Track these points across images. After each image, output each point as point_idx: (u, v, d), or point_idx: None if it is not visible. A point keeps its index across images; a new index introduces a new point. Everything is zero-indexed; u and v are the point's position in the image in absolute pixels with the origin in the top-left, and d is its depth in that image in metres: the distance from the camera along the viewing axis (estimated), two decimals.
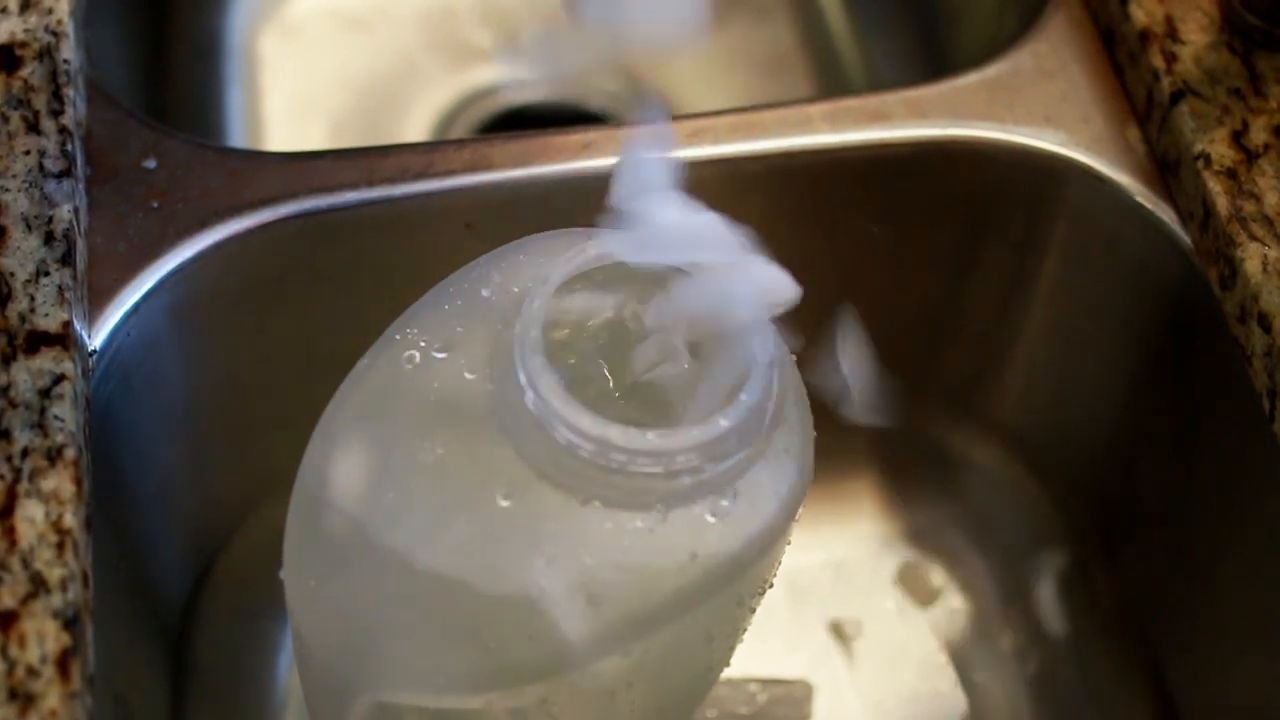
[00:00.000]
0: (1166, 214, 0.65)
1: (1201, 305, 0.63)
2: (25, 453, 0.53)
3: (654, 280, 0.50)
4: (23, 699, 0.48)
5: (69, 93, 0.61)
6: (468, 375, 0.49)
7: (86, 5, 0.66)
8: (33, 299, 0.56)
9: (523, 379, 0.46)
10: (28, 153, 0.59)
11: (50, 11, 0.63)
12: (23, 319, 0.55)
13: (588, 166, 0.64)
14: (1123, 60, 0.68)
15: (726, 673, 0.58)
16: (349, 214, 0.63)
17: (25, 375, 0.54)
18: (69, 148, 0.60)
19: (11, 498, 0.52)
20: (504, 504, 0.47)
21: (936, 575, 0.74)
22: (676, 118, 0.68)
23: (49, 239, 0.57)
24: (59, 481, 0.52)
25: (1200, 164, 0.62)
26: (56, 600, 0.50)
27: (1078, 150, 0.66)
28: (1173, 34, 0.65)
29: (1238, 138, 0.62)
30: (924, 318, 0.74)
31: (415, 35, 0.91)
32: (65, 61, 0.62)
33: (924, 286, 0.72)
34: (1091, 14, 0.69)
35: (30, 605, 0.50)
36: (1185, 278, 0.64)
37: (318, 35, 0.91)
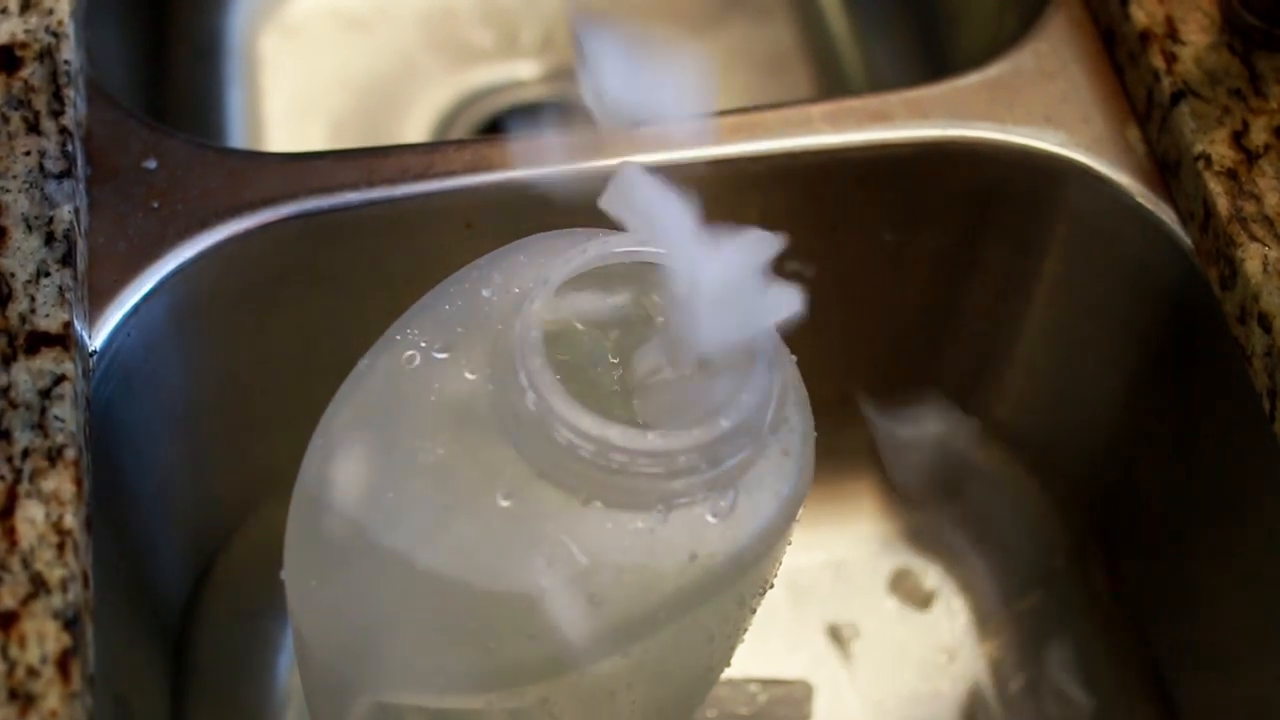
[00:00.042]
0: (1167, 214, 0.65)
1: (1202, 305, 0.63)
2: (26, 453, 0.53)
3: (655, 281, 0.50)
4: (23, 699, 0.48)
5: (69, 93, 0.61)
6: (468, 375, 0.49)
7: (87, 6, 0.66)
8: (33, 299, 0.56)
9: (523, 379, 0.46)
10: (28, 153, 0.59)
11: (51, 12, 0.63)
12: (23, 319, 0.55)
13: (589, 166, 0.64)
14: (1123, 60, 0.68)
15: (727, 673, 0.58)
16: (349, 214, 0.63)
17: (26, 376, 0.54)
18: (69, 148, 0.60)
19: (12, 498, 0.52)
20: (504, 504, 0.47)
21: (930, 578, 0.74)
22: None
23: (49, 239, 0.57)
24: (59, 482, 0.52)
25: (1200, 164, 0.62)
26: (57, 601, 0.50)
27: (1078, 150, 0.66)
28: (1173, 34, 0.65)
29: (1238, 138, 0.62)
30: (924, 318, 0.74)
31: (415, 35, 0.91)
32: (66, 62, 0.62)
33: (924, 286, 0.72)
34: (1092, 14, 0.69)
35: (30, 605, 0.50)
36: (1185, 278, 0.64)
37: (318, 35, 0.91)
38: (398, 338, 0.51)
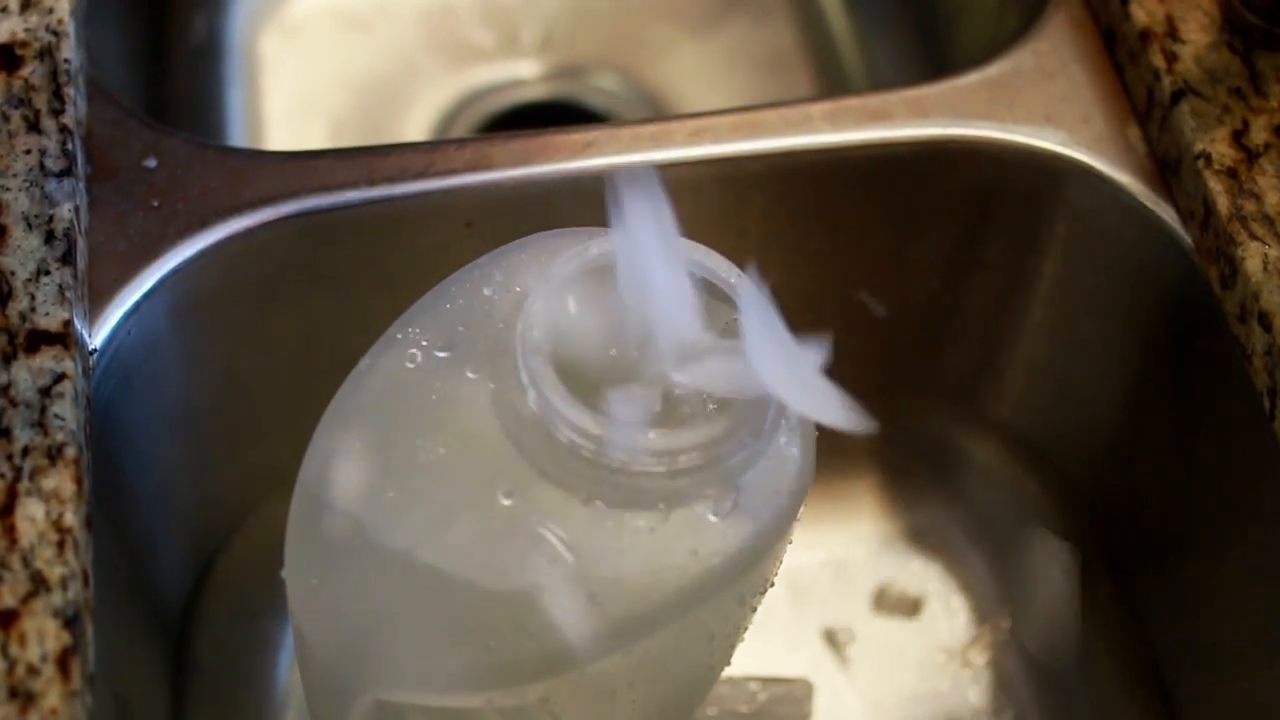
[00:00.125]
0: (1167, 213, 0.65)
1: (1202, 304, 0.63)
2: (26, 451, 0.53)
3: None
4: (23, 698, 0.48)
5: (69, 92, 0.61)
6: (469, 374, 0.49)
7: (87, 5, 0.66)
8: (33, 298, 0.56)
9: (524, 378, 0.46)
10: (28, 152, 0.59)
11: (51, 11, 0.63)
12: (23, 318, 0.55)
13: (589, 166, 0.64)
14: (1123, 60, 0.68)
15: (727, 671, 0.58)
16: (349, 213, 0.63)
17: (26, 374, 0.54)
18: (69, 147, 0.60)
19: (12, 496, 0.52)
20: (505, 503, 0.47)
21: (912, 582, 0.74)
22: (677, 117, 0.68)
23: (49, 238, 0.57)
24: (59, 480, 0.52)
25: (1201, 163, 0.62)
26: (57, 599, 0.50)
27: (1078, 150, 0.66)
28: (1173, 33, 0.65)
29: (1238, 137, 0.62)
30: (924, 317, 0.74)
31: (415, 35, 0.91)
32: (66, 61, 0.62)
33: (924, 286, 0.72)
34: (1092, 13, 0.69)
35: (30, 604, 0.50)
36: (1185, 277, 0.64)
37: (318, 35, 0.91)
38: (399, 336, 0.51)
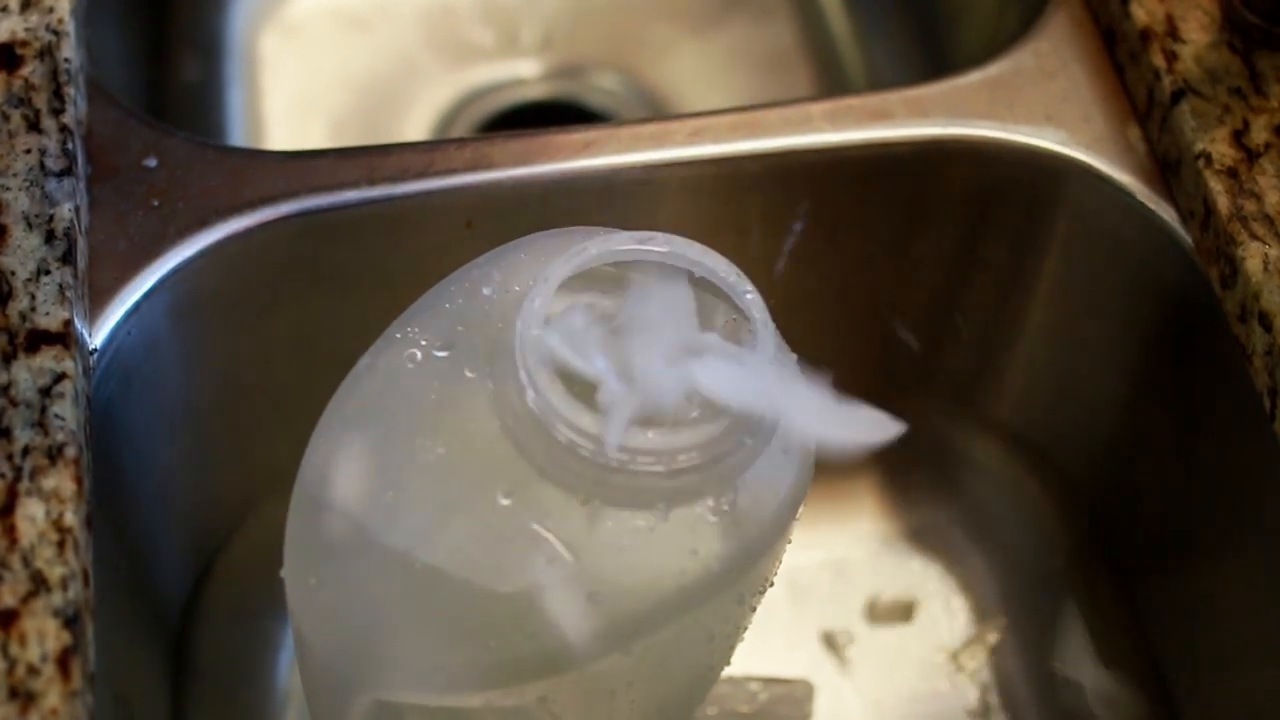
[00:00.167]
0: (1167, 213, 0.65)
1: (1202, 304, 0.63)
2: (26, 451, 0.53)
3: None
4: (23, 697, 0.48)
5: (70, 91, 0.61)
6: (468, 374, 0.49)
7: (87, 4, 0.66)
8: (33, 297, 0.56)
9: (523, 377, 0.46)
10: (28, 151, 0.59)
11: (51, 10, 0.63)
12: (23, 317, 0.55)
13: (589, 165, 0.64)
14: (1123, 59, 0.67)
15: (727, 671, 0.58)
16: (350, 213, 0.63)
17: (26, 374, 0.54)
18: (70, 146, 0.60)
19: (12, 496, 0.52)
20: (505, 503, 0.47)
21: (904, 590, 0.74)
22: (677, 117, 0.68)
23: (50, 237, 0.57)
24: (59, 480, 0.52)
25: (1201, 163, 0.62)
26: (57, 599, 0.50)
27: (1078, 149, 0.66)
28: (1173, 33, 0.65)
29: (1238, 137, 0.62)
30: (924, 317, 0.74)
31: (416, 34, 0.91)
32: (66, 60, 0.62)
33: (924, 285, 0.72)
34: (1092, 13, 0.69)
35: (31, 604, 0.50)
36: (1186, 277, 0.64)
37: (318, 34, 0.91)
38: (398, 336, 0.51)
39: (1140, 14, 0.66)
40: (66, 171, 0.59)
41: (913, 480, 0.77)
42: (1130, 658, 0.72)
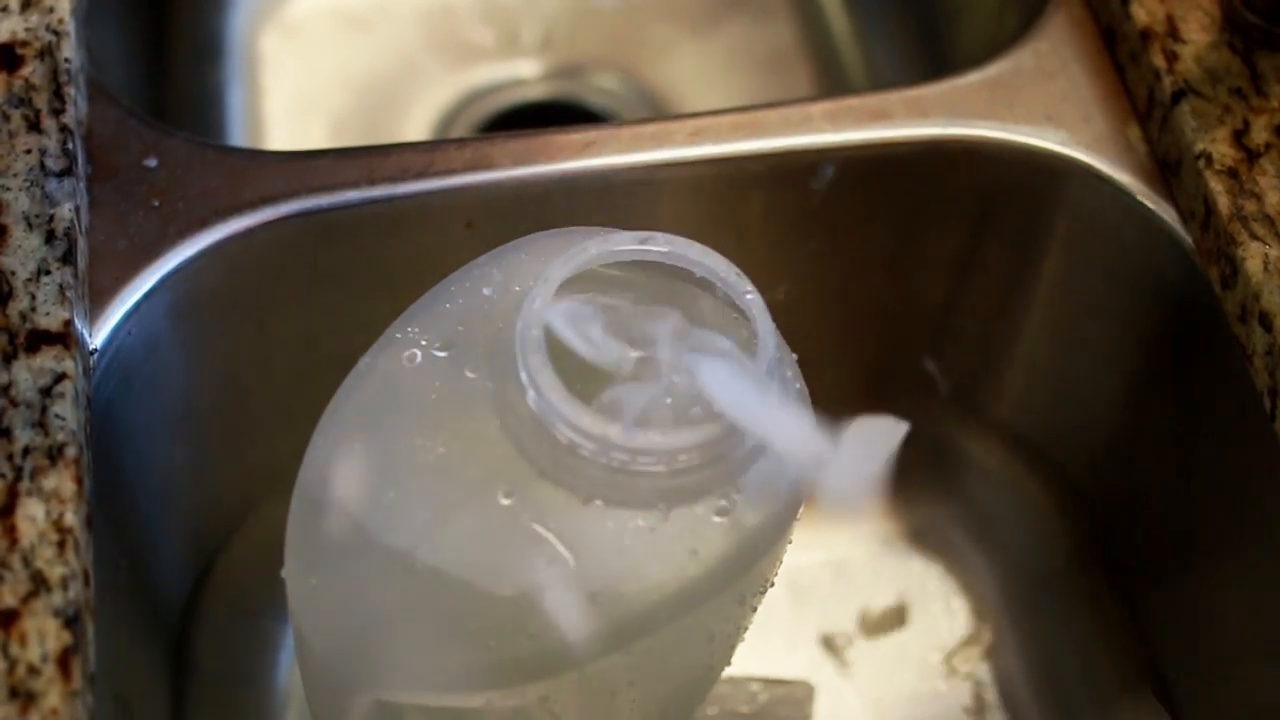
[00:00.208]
0: (1167, 213, 0.65)
1: (1202, 304, 0.63)
2: (26, 451, 0.52)
3: (655, 281, 0.50)
4: (24, 697, 0.48)
5: (70, 91, 0.61)
6: (469, 374, 0.49)
7: (88, 4, 0.66)
8: (34, 298, 0.56)
9: (524, 377, 0.46)
10: (29, 151, 0.59)
11: (51, 10, 0.63)
12: (24, 318, 0.55)
13: (589, 165, 0.64)
14: (1124, 59, 0.67)
15: (728, 671, 0.58)
16: (350, 213, 0.63)
17: (26, 374, 0.54)
18: (70, 146, 0.60)
19: (12, 496, 0.52)
20: (505, 502, 0.47)
21: (893, 596, 0.74)
22: (677, 117, 0.68)
23: (50, 238, 0.57)
24: (60, 480, 0.52)
25: (1201, 163, 0.62)
26: (57, 599, 0.50)
27: (1078, 149, 0.66)
28: (1174, 33, 0.65)
29: (1239, 137, 0.62)
30: (925, 317, 0.74)
31: (416, 34, 0.91)
32: (66, 60, 0.62)
33: (924, 285, 0.72)
34: (1092, 13, 0.69)
35: (31, 604, 0.50)
36: (1186, 277, 0.64)
37: (318, 34, 0.91)
38: (398, 336, 0.51)
39: (1140, 14, 0.66)
40: (67, 171, 0.59)
41: (913, 480, 0.77)
42: (1130, 658, 0.72)
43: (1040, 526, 0.76)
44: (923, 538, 0.76)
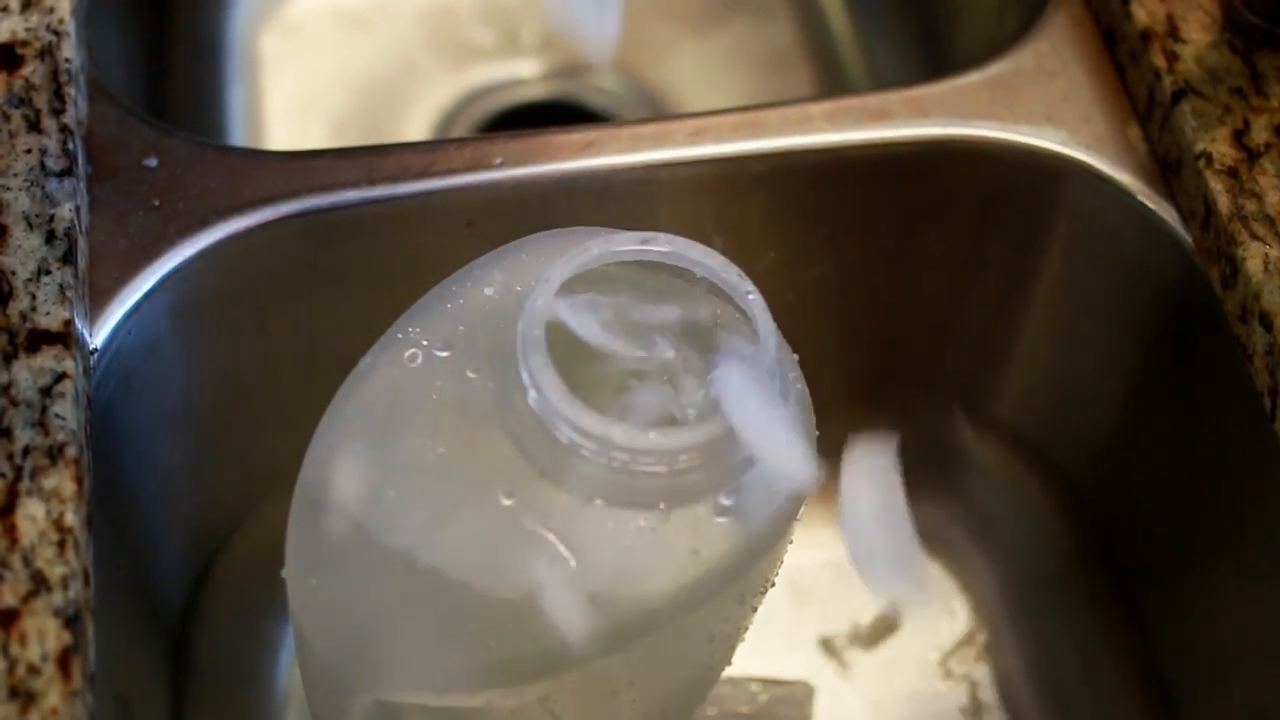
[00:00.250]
0: (1168, 213, 0.65)
1: (1202, 304, 0.63)
2: (26, 451, 0.52)
3: (655, 281, 0.50)
4: (24, 697, 0.48)
5: (70, 91, 0.61)
6: (470, 374, 0.49)
7: (88, 4, 0.66)
8: (34, 297, 0.56)
9: (525, 378, 0.46)
10: (29, 151, 0.59)
11: (51, 10, 0.63)
12: (24, 317, 0.55)
13: (589, 165, 0.64)
14: (1124, 59, 0.67)
15: (728, 671, 0.58)
16: (350, 213, 0.63)
17: (26, 374, 0.54)
18: (70, 146, 0.60)
19: (12, 496, 0.52)
20: (506, 503, 0.47)
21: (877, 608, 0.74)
22: (677, 117, 0.68)
23: (50, 237, 0.57)
24: (60, 480, 0.52)
25: (1201, 163, 0.62)
26: (57, 598, 0.50)
27: (1079, 149, 0.66)
28: (1174, 33, 0.65)
29: (1239, 137, 0.62)
30: (925, 317, 0.74)
31: (416, 34, 0.91)
32: (66, 60, 0.62)
33: (925, 285, 0.72)
34: (1093, 13, 0.69)
35: (31, 603, 0.50)
36: (1186, 277, 0.64)
37: (318, 34, 0.91)
38: (399, 336, 0.51)
39: (1141, 14, 0.66)
40: (67, 171, 0.59)
41: (913, 480, 0.77)
42: (1130, 658, 0.72)
43: (1040, 526, 0.76)
44: (923, 538, 0.76)
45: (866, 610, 0.73)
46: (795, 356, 0.51)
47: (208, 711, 0.68)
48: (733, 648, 0.56)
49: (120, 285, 0.60)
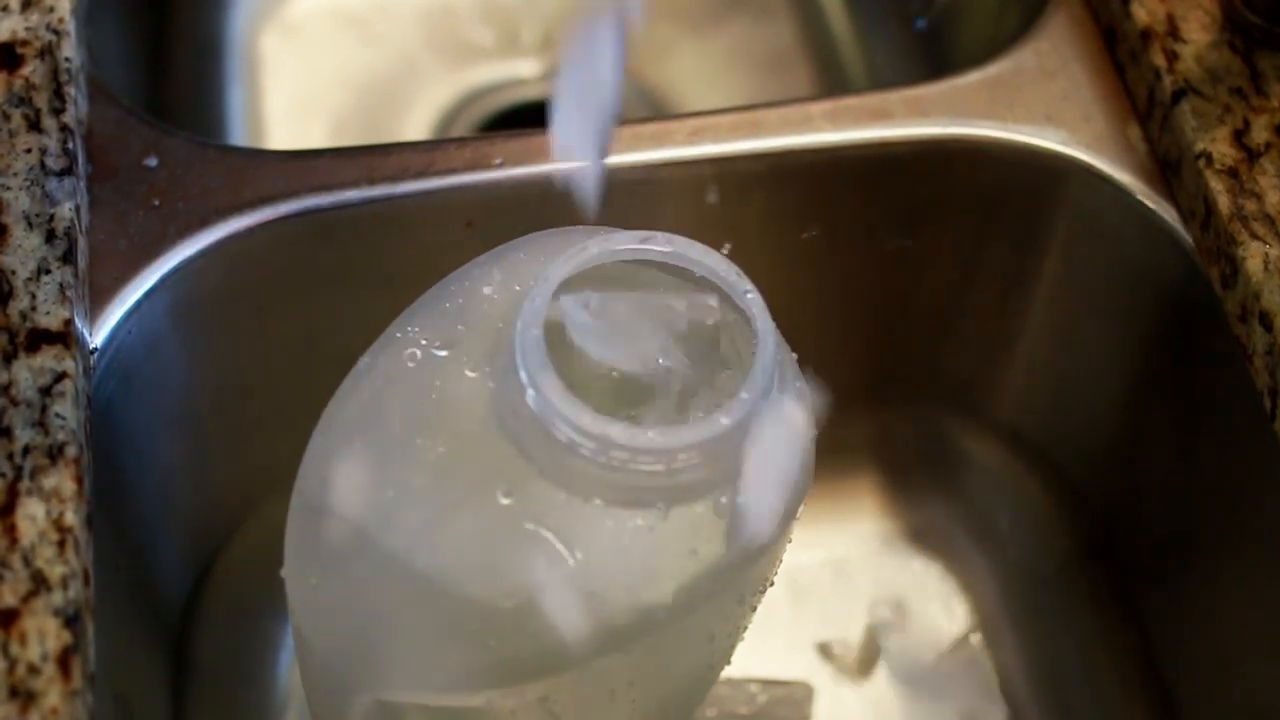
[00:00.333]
0: (1168, 213, 0.65)
1: (1202, 304, 0.63)
2: (26, 450, 0.52)
3: (655, 281, 0.50)
4: (24, 697, 0.48)
5: (70, 91, 0.61)
6: (469, 373, 0.49)
7: (88, 4, 0.66)
8: (34, 297, 0.56)
9: (524, 377, 0.46)
10: (29, 151, 0.59)
11: (51, 10, 0.63)
12: (24, 317, 0.55)
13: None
14: (1124, 59, 0.67)
15: (727, 672, 0.58)
16: (350, 212, 0.63)
17: (26, 373, 0.54)
18: (70, 146, 0.60)
19: (12, 495, 0.52)
20: (505, 502, 0.47)
21: (854, 631, 0.74)
22: (677, 117, 0.68)
23: (50, 237, 0.57)
24: (60, 479, 0.52)
25: (1201, 163, 0.62)
26: (57, 598, 0.50)
27: (1079, 149, 0.66)
28: (1174, 33, 0.65)
29: (1239, 136, 0.62)
30: (925, 317, 0.74)
31: (416, 34, 0.91)
32: (66, 60, 0.62)
33: (925, 285, 0.72)
34: (1093, 13, 0.69)
35: (31, 603, 0.50)
36: (1186, 277, 0.64)
37: (318, 34, 0.91)
38: (398, 335, 0.51)
39: (1141, 14, 0.66)
40: (67, 171, 0.59)
41: (913, 480, 0.77)
42: (1130, 658, 0.72)
43: (1040, 526, 0.76)
44: (923, 538, 0.76)
45: (873, 607, 0.74)
46: (795, 356, 0.51)
47: (208, 711, 0.68)
48: (732, 647, 0.56)
49: (120, 285, 0.60)
